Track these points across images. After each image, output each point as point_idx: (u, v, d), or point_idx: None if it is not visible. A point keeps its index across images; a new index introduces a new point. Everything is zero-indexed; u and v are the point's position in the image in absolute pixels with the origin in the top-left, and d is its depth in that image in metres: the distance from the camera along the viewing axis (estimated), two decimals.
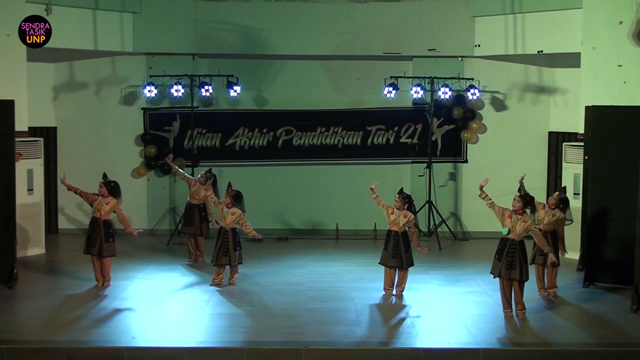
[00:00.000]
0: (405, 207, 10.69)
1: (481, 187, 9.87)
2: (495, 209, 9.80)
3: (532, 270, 10.34)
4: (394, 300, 10.56)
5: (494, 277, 9.86)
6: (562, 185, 11.65)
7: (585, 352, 8.68)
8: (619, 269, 11.05)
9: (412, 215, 10.72)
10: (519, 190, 10.12)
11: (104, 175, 11.24)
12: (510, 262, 9.61)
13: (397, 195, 10.75)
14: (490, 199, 9.85)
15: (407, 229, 10.68)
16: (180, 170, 13.33)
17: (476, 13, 14.84)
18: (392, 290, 10.78)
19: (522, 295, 9.75)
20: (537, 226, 10.35)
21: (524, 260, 9.68)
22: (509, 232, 9.64)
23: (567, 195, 11.23)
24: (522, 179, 10.91)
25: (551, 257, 9.94)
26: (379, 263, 10.81)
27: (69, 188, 11.28)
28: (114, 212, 11.13)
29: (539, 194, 11.48)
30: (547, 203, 10.91)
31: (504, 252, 9.65)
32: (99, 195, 11.06)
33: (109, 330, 9.16)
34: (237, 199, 11.19)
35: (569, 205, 10.94)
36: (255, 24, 14.89)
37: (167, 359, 8.58)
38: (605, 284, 11.24)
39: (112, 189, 11.10)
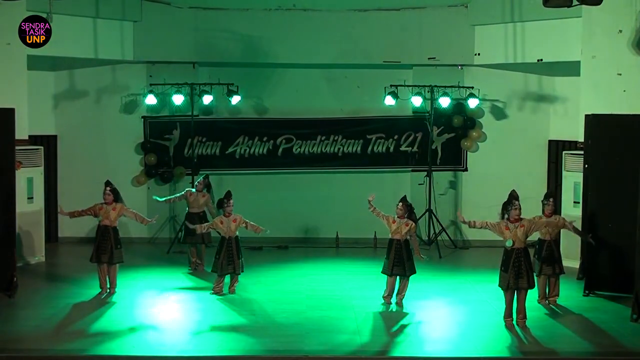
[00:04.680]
0: (406, 215, 10.69)
1: (472, 224, 9.86)
2: (490, 226, 9.74)
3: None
4: (394, 309, 10.55)
5: (505, 291, 9.74)
6: (551, 190, 11.39)
7: None
8: (619, 278, 11.02)
9: (414, 224, 10.73)
10: (516, 199, 10.00)
11: (109, 182, 11.24)
12: (518, 271, 9.58)
13: (400, 204, 10.73)
14: (478, 222, 9.79)
15: (408, 237, 10.67)
16: (171, 197, 13.20)
17: (476, 22, 14.87)
18: (390, 299, 10.77)
19: (525, 304, 9.74)
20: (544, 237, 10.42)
21: (529, 268, 9.70)
22: (513, 243, 9.60)
23: (561, 199, 11.19)
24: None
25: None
26: (382, 272, 10.78)
27: (71, 215, 11.29)
28: (124, 215, 11.19)
29: (539, 202, 11.46)
30: (542, 214, 10.78)
31: (510, 263, 9.58)
32: (104, 203, 11.06)
33: (109, 339, 9.13)
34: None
35: (556, 201, 10.87)
36: (255, 33, 14.92)
37: None
38: (606, 293, 11.23)
39: (117, 194, 11.15)
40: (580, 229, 11.88)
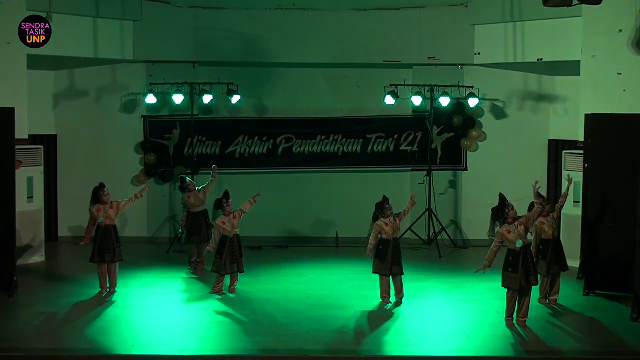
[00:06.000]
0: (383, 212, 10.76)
1: (489, 264, 9.67)
2: (499, 245, 9.65)
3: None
4: (393, 308, 10.56)
5: (514, 291, 9.68)
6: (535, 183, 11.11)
7: None
8: (619, 277, 11.03)
9: (396, 213, 10.78)
10: (506, 199, 9.95)
11: (104, 185, 11.25)
12: (527, 270, 9.58)
13: (389, 204, 10.74)
14: (491, 256, 9.63)
15: (399, 222, 10.79)
16: (183, 221, 12.90)
17: (476, 21, 14.87)
18: (389, 298, 10.78)
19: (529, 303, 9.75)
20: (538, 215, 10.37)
21: (534, 265, 9.75)
22: (523, 243, 9.60)
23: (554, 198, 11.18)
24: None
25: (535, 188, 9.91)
26: (376, 272, 10.78)
27: (88, 237, 11.20)
28: (123, 209, 11.25)
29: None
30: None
31: (519, 263, 9.54)
32: (100, 204, 11.08)
33: (109, 339, 9.15)
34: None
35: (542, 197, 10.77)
36: (255, 32, 14.93)
37: None
38: (606, 292, 11.23)
39: (94, 195, 11.17)
40: (580, 230, 11.93)
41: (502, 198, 9.82)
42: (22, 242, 12.81)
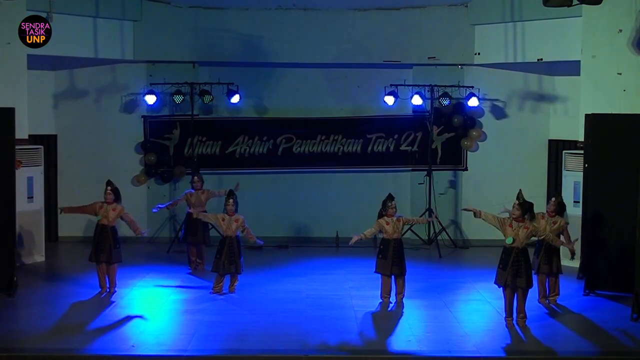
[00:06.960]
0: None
1: (478, 213, 9.81)
2: (492, 220, 9.75)
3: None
4: (393, 308, 10.56)
5: (499, 287, 9.80)
6: (558, 191, 11.44)
7: None
8: (619, 277, 11.03)
9: (401, 216, 10.78)
10: (518, 198, 10.03)
11: (110, 182, 11.24)
12: (516, 270, 9.58)
13: (392, 202, 10.72)
14: (482, 213, 9.80)
15: (405, 227, 10.76)
16: (170, 203, 13.10)
17: (476, 21, 14.87)
18: (389, 298, 10.78)
19: (525, 303, 9.75)
20: (541, 236, 10.33)
21: (528, 267, 9.71)
22: (513, 241, 9.61)
23: (564, 200, 11.21)
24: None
25: (569, 246, 10.28)
26: (378, 272, 10.79)
27: (70, 211, 11.29)
28: (121, 217, 11.17)
29: (539, 202, 11.50)
30: (545, 211, 10.90)
31: (509, 261, 9.59)
32: (104, 202, 11.08)
33: (109, 339, 9.14)
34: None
35: (565, 208, 10.96)
36: (255, 32, 14.93)
37: None
38: (606, 292, 11.23)
39: (117, 194, 11.15)
40: (580, 233, 11.90)
41: (516, 196, 9.80)
42: (22, 242, 12.81)
